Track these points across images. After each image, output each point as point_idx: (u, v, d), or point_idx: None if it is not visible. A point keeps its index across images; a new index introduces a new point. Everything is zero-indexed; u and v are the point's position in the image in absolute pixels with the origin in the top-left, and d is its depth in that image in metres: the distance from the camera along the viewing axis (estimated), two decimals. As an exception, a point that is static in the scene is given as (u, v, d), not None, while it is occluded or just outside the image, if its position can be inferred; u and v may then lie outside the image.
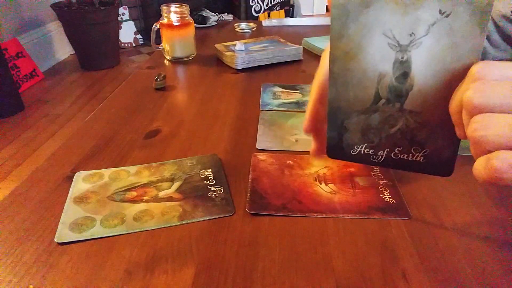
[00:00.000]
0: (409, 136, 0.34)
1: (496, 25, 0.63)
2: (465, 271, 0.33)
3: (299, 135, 0.55)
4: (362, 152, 0.37)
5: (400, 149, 0.35)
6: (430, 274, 0.33)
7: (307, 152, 0.51)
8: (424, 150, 0.34)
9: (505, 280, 0.32)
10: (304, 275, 0.33)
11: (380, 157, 0.36)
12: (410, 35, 0.30)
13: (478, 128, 0.25)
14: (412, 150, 0.35)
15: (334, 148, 0.38)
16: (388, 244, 0.36)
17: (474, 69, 0.27)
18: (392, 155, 0.36)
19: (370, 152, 0.36)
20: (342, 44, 0.33)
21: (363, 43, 0.32)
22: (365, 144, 0.36)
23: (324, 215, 0.40)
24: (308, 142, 0.53)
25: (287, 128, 0.57)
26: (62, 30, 2.73)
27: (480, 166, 0.25)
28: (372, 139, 0.36)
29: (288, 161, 0.49)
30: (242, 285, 0.32)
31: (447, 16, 0.29)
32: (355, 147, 0.37)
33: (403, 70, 0.32)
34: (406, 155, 0.35)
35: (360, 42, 0.32)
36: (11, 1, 2.41)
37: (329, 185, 0.44)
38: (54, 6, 2.52)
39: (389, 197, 0.42)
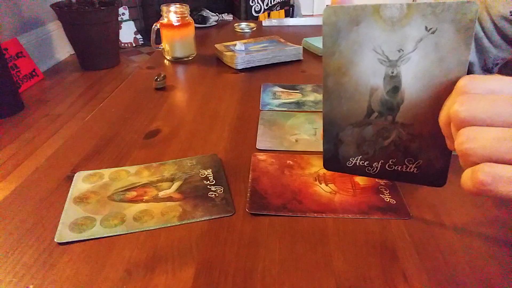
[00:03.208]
0: (402, 148, 0.35)
1: (496, 26, 0.64)
2: (465, 271, 0.33)
3: (299, 135, 0.55)
4: (357, 163, 0.38)
5: (394, 161, 0.36)
6: (430, 274, 0.33)
7: (307, 152, 0.51)
8: (417, 162, 0.35)
9: (505, 280, 0.32)
10: (304, 275, 0.33)
11: (375, 168, 0.37)
12: (399, 51, 0.31)
13: (464, 141, 0.25)
14: (405, 161, 0.35)
15: (331, 160, 0.39)
16: (388, 244, 0.36)
17: (461, 83, 0.28)
18: (386, 166, 0.37)
19: (365, 163, 0.37)
20: (334, 60, 0.34)
21: (354, 59, 0.33)
22: (360, 156, 0.37)
23: (324, 215, 0.40)
24: (308, 142, 0.53)
25: (287, 128, 0.57)
26: (62, 30, 2.73)
27: (466, 178, 0.25)
28: (367, 151, 0.37)
29: (288, 161, 0.49)
30: (242, 285, 0.32)
31: (433, 33, 0.30)
32: (351, 159, 0.38)
33: (394, 85, 0.33)
34: (400, 167, 0.36)
35: (352, 58, 0.33)
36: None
37: (329, 185, 0.44)
38: (54, 6, 2.52)
39: (389, 197, 0.42)
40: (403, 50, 0.31)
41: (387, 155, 0.36)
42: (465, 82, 0.27)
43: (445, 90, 0.30)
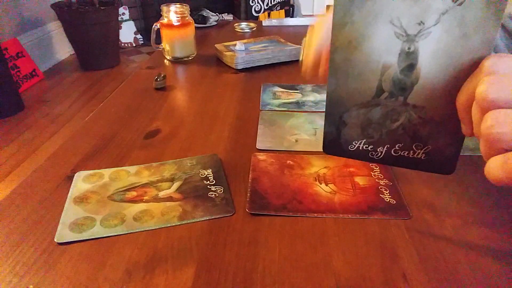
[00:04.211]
0: (411, 132, 0.33)
1: (503, 28, 0.58)
2: (465, 271, 0.33)
3: (299, 135, 0.55)
4: (360, 148, 0.35)
5: (401, 146, 0.34)
6: (430, 274, 0.33)
7: (307, 152, 0.51)
8: (426, 147, 0.33)
9: (505, 280, 0.32)
10: (304, 275, 0.33)
11: (380, 153, 0.35)
12: (419, 24, 0.29)
13: (494, 125, 0.23)
14: (413, 147, 0.33)
15: (331, 143, 0.36)
16: (388, 244, 0.36)
17: (487, 62, 0.25)
18: (392, 151, 0.34)
19: (369, 148, 0.35)
20: (344, 33, 0.31)
21: (367, 32, 0.30)
22: (364, 140, 0.35)
23: (324, 215, 0.40)
24: (308, 142, 0.53)
25: (287, 128, 0.57)
26: (62, 30, 2.73)
27: (496, 167, 0.23)
28: (372, 134, 0.34)
29: (288, 161, 0.49)
30: (242, 285, 0.32)
31: (460, 5, 0.27)
32: (354, 143, 0.35)
33: (409, 62, 0.30)
34: (407, 152, 0.34)
35: (365, 31, 0.30)
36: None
37: (329, 185, 0.44)
38: (54, 6, 2.52)
39: (389, 197, 0.42)
40: (423, 24, 0.28)
41: (394, 139, 0.33)
42: (492, 61, 0.25)
43: (465, 71, 0.28)
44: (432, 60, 0.29)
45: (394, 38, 0.30)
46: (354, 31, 0.31)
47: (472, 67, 0.27)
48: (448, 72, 0.29)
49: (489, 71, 0.25)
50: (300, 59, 0.48)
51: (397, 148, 0.34)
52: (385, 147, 0.34)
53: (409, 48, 0.30)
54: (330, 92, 0.34)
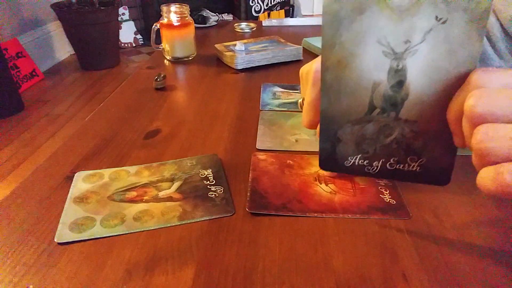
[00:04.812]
0: (405, 146, 0.33)
1: (505, 32, 0.58)
2: (465, 271, 0.33)
3: (299, 135, 0.55)
4: (356, 163, 0.36)
5: (395, 159, 0.34)
6: (430, 274, 0.33)
7: (307, 152, 0.51)
8: (421, 160, 0.34)
9: (505, 280, 0.32)
10: (304, 275, 0.33)
11: (375, 167, 0.36)
12: (406, 42, 0.30)
13: (484, 139, 0.23)
14: (408, 160, 0.34)
15: (327, 160, 0.37)
16: (388, 244, 0.36)
17: (474, 76, 0.26)
18: (387, 165, 0.35)
19: (365, 163, 0.36)
20: (334, 53, 0.32)
21: (356, 51, 0.31)
22: (360, 155, 0.35)
23: (324, 215, 0.40)
24: (308, 142, 0.53)
25: (287, 128, 0.57)
26: (62, 30, 2.73)
27: (487, 178, 0.24)
28: (367, 149, 0.35)
29: (288, 161, 0.49)
30: (242, 285, 0.32)
31: (443, 23, 0.28)
32: (349, 158, 0.36)
33: (399, 79, 0.31)
34: (402, 165, 0.34)
35: (354, 50, 0.31)
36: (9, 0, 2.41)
37: (329, 185, 0.44)
38: (54, 6, 2.52)
39: (389, 197, 0.42)
40: (410, 42, 0.29)
41: (388, 153, 0.34)
42: (478, 75, 0.26)
43: (454, 85, 0.29)
44: (421, 76, 0.30)
45: (382, 57, 0.31)
46: (344, 51, 0.31)
47: (459, 81, 0.28)
48: (437, 86, 0.30)
49: (476, 85, 0.25)
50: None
51: (392, 162, 0.35)
52: (380, 161, 0.35)
53: (397, 66, 0.30)
54: (323, 110, 0.35)
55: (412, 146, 0.33)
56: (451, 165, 0.33)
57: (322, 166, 0.38)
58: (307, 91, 0.38)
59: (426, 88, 0.30)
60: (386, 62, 0.31)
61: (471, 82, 0.26)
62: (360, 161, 0.36)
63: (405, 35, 0.29)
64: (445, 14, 0.28)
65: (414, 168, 0.34)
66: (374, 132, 0.34)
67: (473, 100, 0.24)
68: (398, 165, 0.35)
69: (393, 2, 0.29)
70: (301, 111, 0.42)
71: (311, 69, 0.38)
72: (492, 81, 0.25)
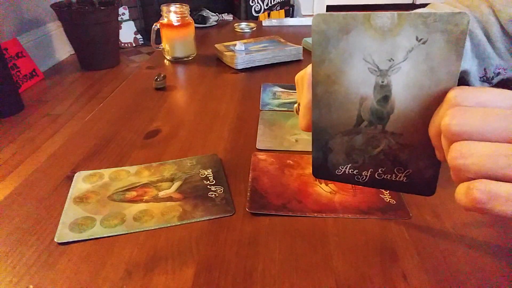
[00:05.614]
0: (391, 157, 0.35)
1: (504, 32, 0.58)
2: (465, 271, 0.33)
3: (299, 135, 0.55)
4: (347, 172, 0.37)
5: (383, 170, 0.36)
6: (430, 274, 0.33)
7: (307, 152, 0.51)
8: (407, 171, 0.35)
9: (505, 280, 0.32)
10: (304, 275, 0.33)
11: (365, 177, 0.37)
12: (389, 60, 0.31)
13: (458, 156, 0.25)
14: (395, 170, 0.35)
15: (320, 168, 0.39)
16: (388, 244, 0.36)
17: (451, 94, 0.27)
18: (376, 175, 0.36)
19: (355, 172, 0.37)
20: (323, 69, 0.34)
21: (344, 67, 0.33)
22: (350, 165, 0.37)
23: (324, 215, 0.40)
24: (308, 142, 0.53)
25: (287, 128, 0.57)
26: (62, 30, 2.73)
27: (461, 194, 0.25)
28: (356, 159, 0.36)
29: (288, 161, 0.49)
30: (242, 285, 0.32)
31: (423, 43, 0.30)
32: (340, 167, 0.38)
33: (384, 94, 0.32)
34: (389, 175, 0.36)
35: (341, 66, 0.33)
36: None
37: (329, 185, 0.44)
38: (54, 6, 2.52)
39: (389, 197, 0.42)
40: (393, 60, 0.31)
41: (376, 164, 0.36)
42: (455, 93, 0.27)
43: (435, 101, 0.30)
44: (404, 92, 0.32)
45: (368, 73, 0.32)
46: (332, 67, 0.33)
47: (440, 98, 0.29)
48: (420, 102, 0.31)
49: (453, 104, 0.27)
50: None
51: (380, 172, 0.36)
52: (369, 171, 0.37)
53: (382, 82, 0.32)
54: (315, 121, 0.37)
55: (398, 157, 0.35)
56: (435, 176, 0.34)
57: (315, 174, 0.40)
58: (303, 94, 0.39)
59: (410, 103, 0.32)
60: (372, 78, 0.32)
61: (448, 100, 0.27)
62: (350, 170, 0.37)
63: (389, 53, 0.31)
64: (425, 35, 0.29)
65: (401, 179, 0.36)
66: (362, 143, 0.36)
67: (448, 119, 0.25)
68: (386, 175, 0.36)
69: (376, 23, 0.31)
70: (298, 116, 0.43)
71: (306, 74, 0.40)
72: (469, 99, 0.26)
